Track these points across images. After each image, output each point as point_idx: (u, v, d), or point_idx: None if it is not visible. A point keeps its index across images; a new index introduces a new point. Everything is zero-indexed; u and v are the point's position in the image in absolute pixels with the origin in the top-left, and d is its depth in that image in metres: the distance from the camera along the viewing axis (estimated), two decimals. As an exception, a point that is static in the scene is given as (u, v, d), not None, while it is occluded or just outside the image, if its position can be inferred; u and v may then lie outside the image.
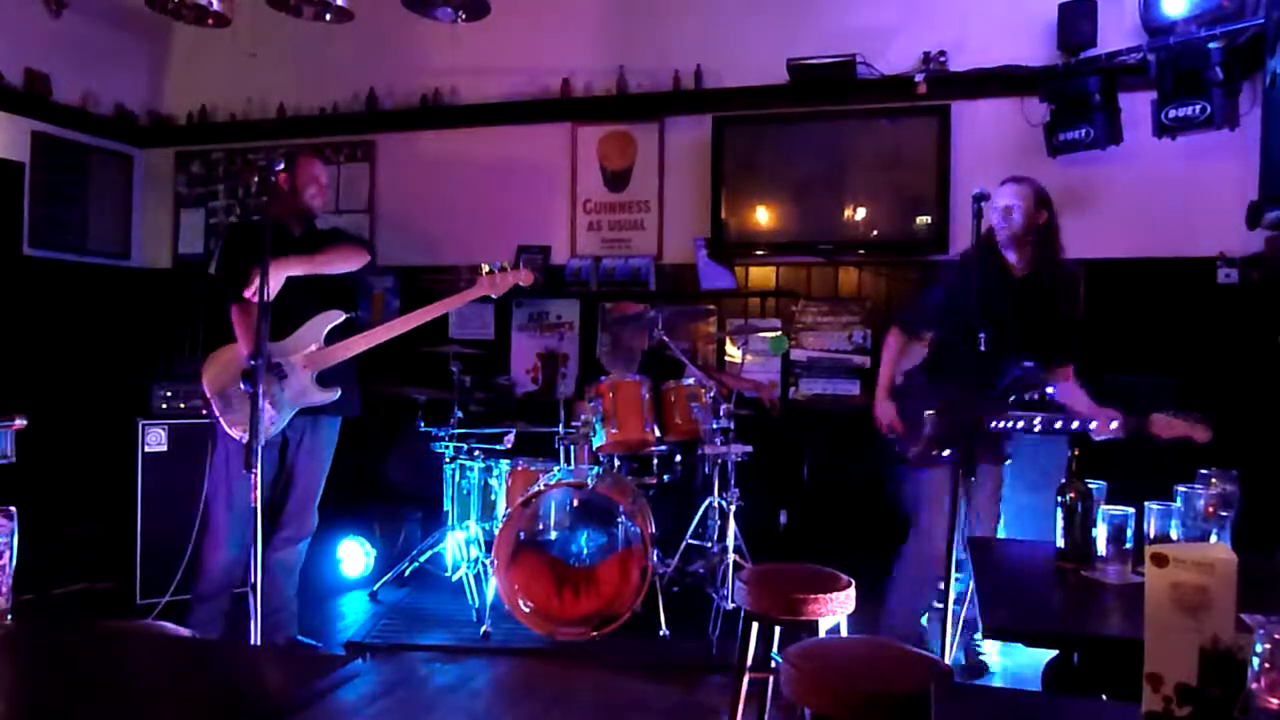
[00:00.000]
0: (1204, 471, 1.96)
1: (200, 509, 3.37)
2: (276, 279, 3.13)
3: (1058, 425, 2.99)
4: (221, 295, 3.33)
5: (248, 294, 3.15)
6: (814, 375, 4.85)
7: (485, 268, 3.53)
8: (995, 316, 3.00)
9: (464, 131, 5.46)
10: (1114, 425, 2.88)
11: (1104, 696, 1.63)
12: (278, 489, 3.44)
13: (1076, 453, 2.09)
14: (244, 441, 3.12)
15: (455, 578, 4.18)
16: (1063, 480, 2.07)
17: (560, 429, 4.11)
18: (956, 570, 2.66)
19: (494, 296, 3.56)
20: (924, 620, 3.37)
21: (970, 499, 3.19)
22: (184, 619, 3.23)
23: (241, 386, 3.15)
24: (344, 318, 3.39)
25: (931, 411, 3.22)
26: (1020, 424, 3.04)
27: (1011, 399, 3.10)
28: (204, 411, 3.30)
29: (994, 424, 3.04)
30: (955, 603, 2.71)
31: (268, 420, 3.15)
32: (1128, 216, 4.45)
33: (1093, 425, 2.92)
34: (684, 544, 3.99)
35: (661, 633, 3.64)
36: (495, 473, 4.15)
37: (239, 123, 5.82)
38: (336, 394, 3.32)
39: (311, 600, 4.09)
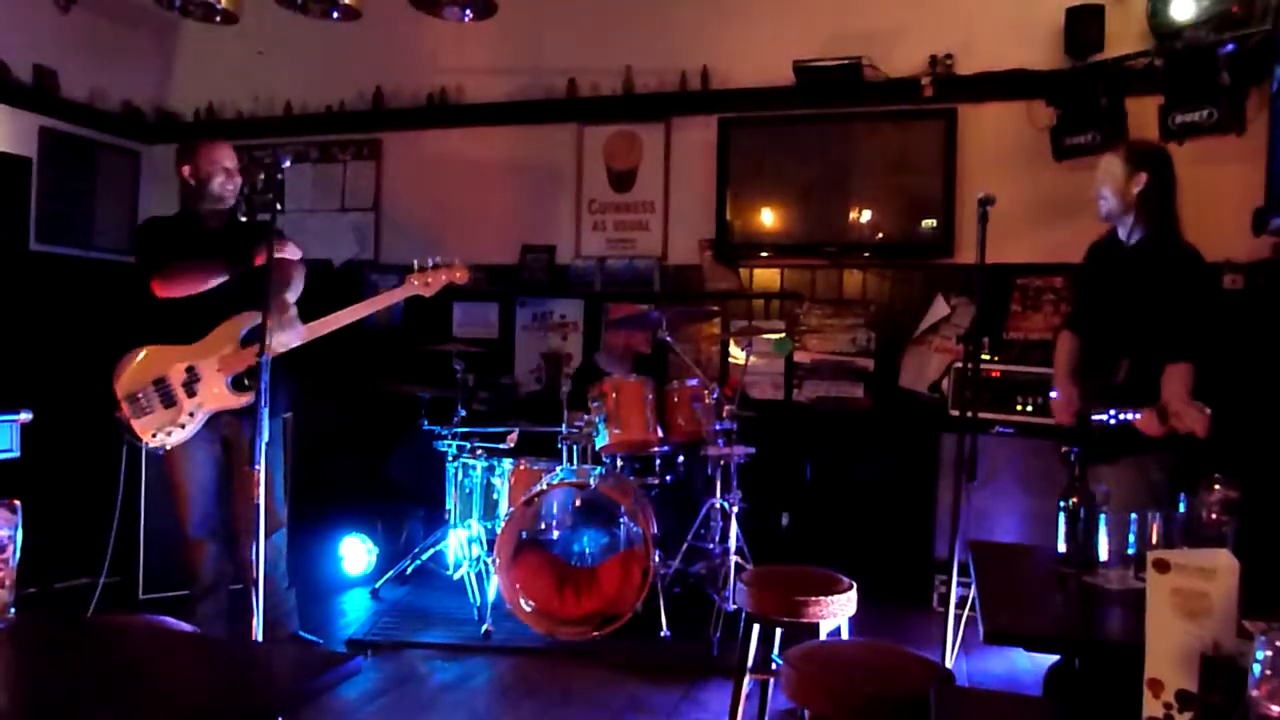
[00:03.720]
0: (1207, 477, 1.96)
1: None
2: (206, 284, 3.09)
3: (1110, 419, 2.57)
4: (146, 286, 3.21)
5: (162, 292, 3.11)
6: (818, 377, 4.85)
7: (415, 265, 3.39)
8: (1107, 294, 2.76)
9: (470, 130, 5.47)
10: (1152, 424, 2.47)
11: (1104, 702, 1.63)
12: (229, 489, 3.34)
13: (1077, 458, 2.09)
14: (151, 445, 3.14)
15: (457, 576, 4.19)
16: (1065, 485, 2.06)
17: (563, 429, 4.11)
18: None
19: (426, 297, 3.44)
20: None
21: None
22: (187, 618, 3.21)
23: (154, 389, 3.12)
24: (260, 320, 3.30)
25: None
26: (1112, 420, 2.57)
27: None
28: (115, 415, 3.18)
29: (1095, 417, 2.59)
30: (941, 606, 2.68)
31: (178, 427, 3.12)
32: (1133, 221, 4.43)
33: (1138, 418, 2.50)
34: (686, 545, 3.99)
35: (662, 633, 3.64)
36: (498, 472, 4.14)
37: (246, 120, 5.83)
38: (252, 398, 3.14)
39: (313, 597, 4.10)
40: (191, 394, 3.15)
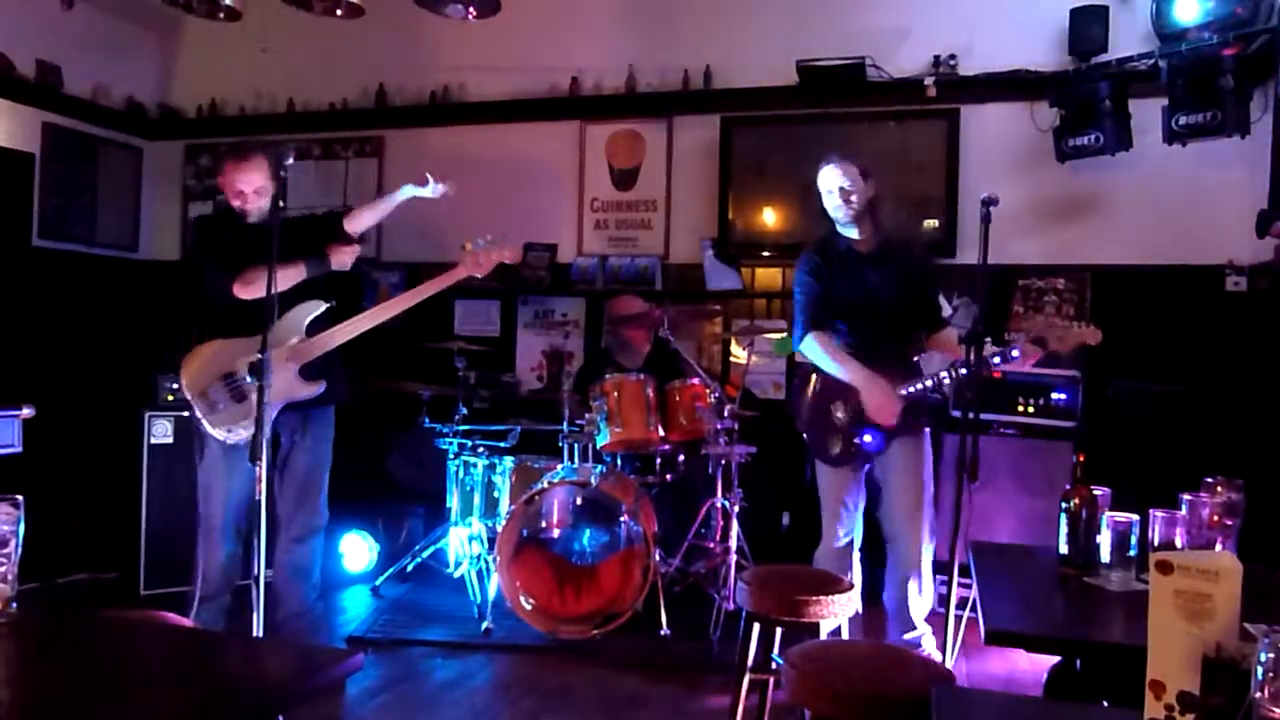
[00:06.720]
0: (1210, 479, 1.96)
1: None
2: (286, 283, 3.07)
3: (964, 371, 2.93)
4: (209, 290, 3.21)
5: (244, 294, 3.09)
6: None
7: (467, 245, 3.34)
8: (862, 292, 3.19)
9: (473, 128, 5.46)
10: (1022, 354, 2.92)
11: (1106, 704, 1.62)
12: (274, 488, 3.30)
13: (1081, 458, 2.09)
14: (229, 441, 3.08)
15: (458, 574, 4.19)
16: (1067, 486, 2.06)
17: (564, 427, 4.11)
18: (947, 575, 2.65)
19: (479, 277, 3.40)
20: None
21: (886, 478, 3.22)
22: (187, 617, 3.18)
23: (223, 385, 3.07)
24: (324, 308, 3.26)
25: (838, 401, 3.23)
26: (929, 383, 3.06)
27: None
28: (186, 413, 3.16)
29: (903, 391, 3.07)
30: (940, 607, 2.70)
31: (249, 421, 3.03)
32: (1136, 223, 4.44)
33: (1015, 354, 2.93)
34: (686, 544, 3.99)
35: (662, 632, 3.64)
36: (499, 469, 4.15)
37: (248, 116, 5.82)
38: (322, 387, 3.20)
39: (314, 594, 4.10)
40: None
